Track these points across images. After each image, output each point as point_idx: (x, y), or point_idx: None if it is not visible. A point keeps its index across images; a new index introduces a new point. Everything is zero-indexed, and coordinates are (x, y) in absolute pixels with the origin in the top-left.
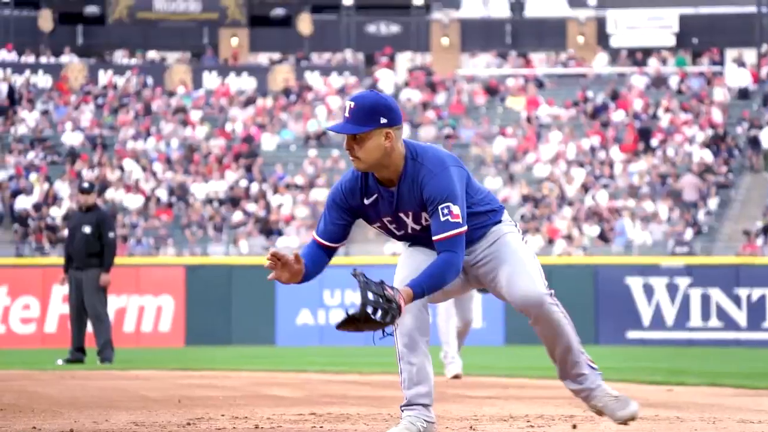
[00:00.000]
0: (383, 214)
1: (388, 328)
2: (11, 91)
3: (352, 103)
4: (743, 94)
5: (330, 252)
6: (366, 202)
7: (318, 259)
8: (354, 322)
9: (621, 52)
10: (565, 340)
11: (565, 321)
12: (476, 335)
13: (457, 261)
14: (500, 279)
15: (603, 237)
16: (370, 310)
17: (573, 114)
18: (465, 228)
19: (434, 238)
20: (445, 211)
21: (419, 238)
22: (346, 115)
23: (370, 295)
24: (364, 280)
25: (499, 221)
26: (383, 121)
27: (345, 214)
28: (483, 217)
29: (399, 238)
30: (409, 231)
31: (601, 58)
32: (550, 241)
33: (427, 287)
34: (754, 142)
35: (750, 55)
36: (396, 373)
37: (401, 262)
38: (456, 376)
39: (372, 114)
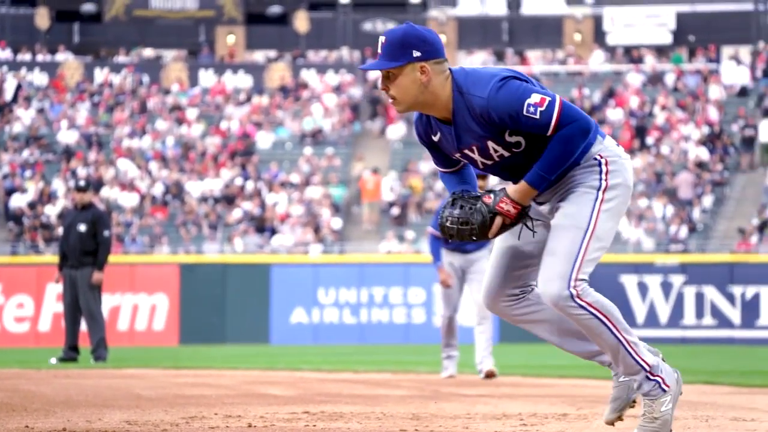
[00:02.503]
0: (451, 151)
1: (530, 223)
2: (19, 88)
3: (383, 38)
4: (743, 92)
5: (466, 169)
6: (435, 139)
7: (464, 176)
8: (462, 234)
9: (617, 50)
10: (603, 342)
11: (595, 323)
12: (469, 334)
13: (573, 130)
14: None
15: None
16: (452, 225)
17: None
18: (558, 98)
19: (548, 134)
20: (531, 109)
21: (504, 174)
22: (378, 51)
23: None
24: (450, 201)
25: (578, 163)
26: (416, 54)
27: (433, 149)
28: None
29: (484, 172)
30: (481, 167)
31: (598, 55)
32: None
33: (545, 170)
34: (750, 141)
35: (746, 52)
36: (386, 371)
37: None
38: (450, 376)
39: (403, 47)
